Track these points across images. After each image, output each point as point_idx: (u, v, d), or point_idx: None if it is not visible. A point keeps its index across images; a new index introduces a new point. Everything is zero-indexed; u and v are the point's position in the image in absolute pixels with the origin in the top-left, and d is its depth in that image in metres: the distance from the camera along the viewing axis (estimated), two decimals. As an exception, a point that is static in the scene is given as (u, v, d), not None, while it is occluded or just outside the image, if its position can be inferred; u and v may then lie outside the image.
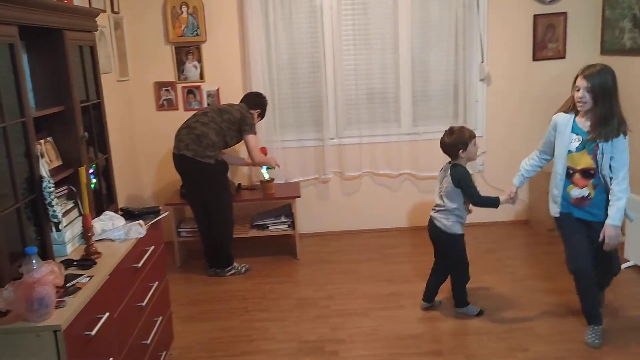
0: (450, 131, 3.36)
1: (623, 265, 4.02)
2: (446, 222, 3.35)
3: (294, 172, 4.95)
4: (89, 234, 2.34)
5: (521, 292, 3.76)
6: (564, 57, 4.81)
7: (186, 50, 4.76)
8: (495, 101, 4.91)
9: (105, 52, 4.09)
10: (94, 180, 2.82)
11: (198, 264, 4.48)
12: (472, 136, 3.35)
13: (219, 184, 4.13)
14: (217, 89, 4.81)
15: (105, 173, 2.99)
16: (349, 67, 4.82)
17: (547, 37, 4.78)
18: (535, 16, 4.75)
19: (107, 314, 2.12)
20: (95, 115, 2.87)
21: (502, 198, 3.39)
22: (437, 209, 3.41)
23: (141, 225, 2.64)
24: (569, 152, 3.04)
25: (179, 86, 4.82)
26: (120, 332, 2.32)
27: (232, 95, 4.77)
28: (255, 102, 4.32)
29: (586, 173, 3.03)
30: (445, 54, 4.78)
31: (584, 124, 3.03)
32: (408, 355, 3.08)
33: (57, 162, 2.55)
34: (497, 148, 4.99)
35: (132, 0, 4.62)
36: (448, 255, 3.48)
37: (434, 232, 3.44)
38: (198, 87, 4.82)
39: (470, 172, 4.84)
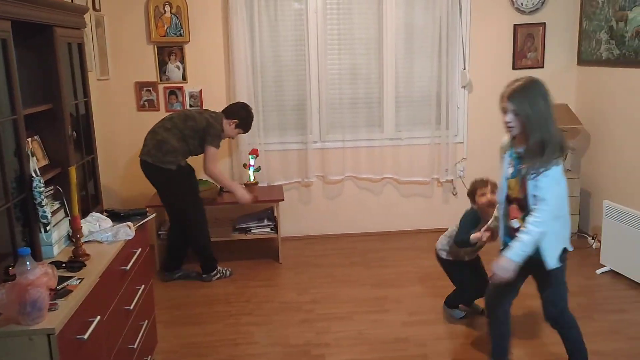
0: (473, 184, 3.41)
1: (598, 271, 4.13)
2: (438, 244, 3.62)
3: (277, 176, 4.94)
4: (78, 235, 2.28)
5: (502, 296, 3.82)
6: (542, 67, 4.91)
7: (169, 51, 4.70)
8: (476, 108, 4.99)
9: (86, 50, 4.00)
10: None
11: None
12: (480, 185, 3.32)
13: (181, 190, 4.02)
14: (200, 91, 4.77)
15: (91, 174, 2.92)
16: (333, 72, 4.83)
17: (527, 47, 4.89)
18: (515, 26, 4.85)
19: (99, 317, 2.08)
20: (82, 114, 2.81)
21: (472, 236, 3.18)
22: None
23: (129, 227, 2.60)
24: (507, 178, 2.65)
25: (161, 87, 4.75)
26: (109, 336, 2.28)
27: (215, 97, 4.74)
28: (235, 112, 4.17)
29: (520, 203, 2.59)
30: (428, 60, 4.84)
31: (518, 148, 2.61)
32: (394, 359, 3.09)
33: (44, 162, 2.49)
34: (477, 155, 5.07)
35: (114, -2, 4.55)
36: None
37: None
38: (180, 88, 4.76)
39: (451, 177, 4.90)
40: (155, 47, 4.68)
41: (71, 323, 1.85)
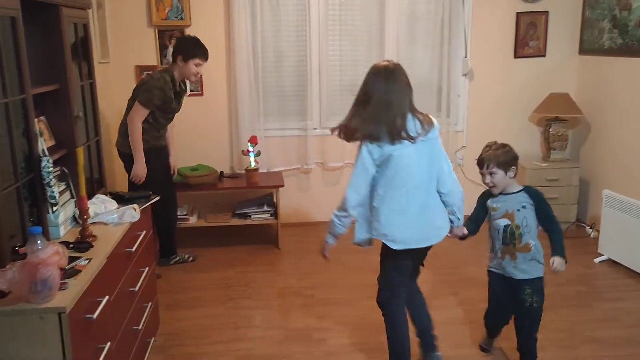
0: None
1: (597, 260, 4.17)
2: None
3: (277, 162, 4.93)
4: (85, 216, 2.28)
5: (501, 284, 3.85)
6: (544, 56, 4.92)
7: (169, 34, 4.66)
8: (477, 96, 4.99)
9: (88, 32, 3.97)
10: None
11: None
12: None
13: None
14: (200, 76, 4.73)
15: (96, 155, 2.91)
16: (334, 58, 4.81)
17: (529, 35, 4.88)
18: (518, 14, 4.84)
19: (107, 297, 2.08)
20: (87, 96, 2.80)
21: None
22: None
23: (135, 210, 2.59)
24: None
25: (161, 70, 4.72)
26: (116, 317, 2.28)
27: (215, 82, 4.71)
28: (175, 50, 3.80)
29: None
30: (429, 48, 4.83)
31: None
32: (395, 344, 3.11)
33: (50, 142, 2.48)
34: (476, 143, 5.05)
35: (115, -20, 4.51)
36: None
37: None
38: (181, 72, 4.72)
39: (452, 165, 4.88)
40: (156, 30, 4.64)
41: (81, 302, 1.86)
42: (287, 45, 4.76)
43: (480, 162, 2.67)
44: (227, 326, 3.33)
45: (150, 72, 3.88)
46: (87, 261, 2.07)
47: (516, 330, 2.80)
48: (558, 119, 4.80)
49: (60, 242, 2.19)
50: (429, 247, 2.63)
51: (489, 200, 2.74)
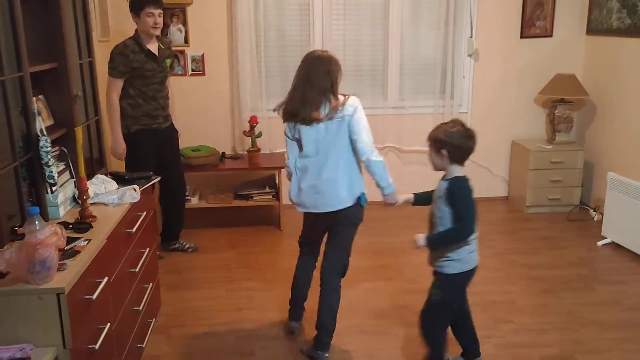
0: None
1: (600, 243, 4.15)
2: None
3: (279, 143, 4.89)
4: (85, 197, 2.26)
5: (502, 266, 3.85)
6: (551, 36, 4.84)
7: (171, 13, 4.60)
8: (482, 78, 4.93)
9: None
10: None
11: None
12: None
13: (132, 157, 3.66)
14: (202, 55, 4.69)
15: (96, 135, 2.89)
16: (337, 38, 4.75)
17: (536, 15, 4.80)
18: (525, -7, 4.76)
19: (106, 278, 2.07)
20: (86, 74, 2.76)
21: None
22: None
23: (135, 190, 2.58)
24: None
25: (163, 50, 4.66)
26: (116, 298, 2.28)
27: (217, 62, 4.66)
28: (129, 9, 3.58)
29: None
30: (434, 28, 4.76)
31: None
32: (394, 326, 3.12)
33: (49, 122, 2.45)
34: (480, 125, 5.01)
35: (115, -43, 4.43)
36: None
37: None
38: (182, 52, 4.68)
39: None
40: (157, 8, 4.58)
41: (80, 283, 1.85)
42: (289, 25, 4.70)
43: None
44: (228, 307, 3.33)
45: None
46: (86, 242, 2.06)
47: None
48: (564, 101, 4.74)
49: (60, 223, 2.18)
50: (334, 215, 2.76)
51: None
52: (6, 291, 1.72)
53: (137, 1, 3.53)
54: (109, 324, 2.11)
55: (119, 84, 3.53)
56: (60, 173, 2.40)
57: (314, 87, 2.64)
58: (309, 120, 2.63)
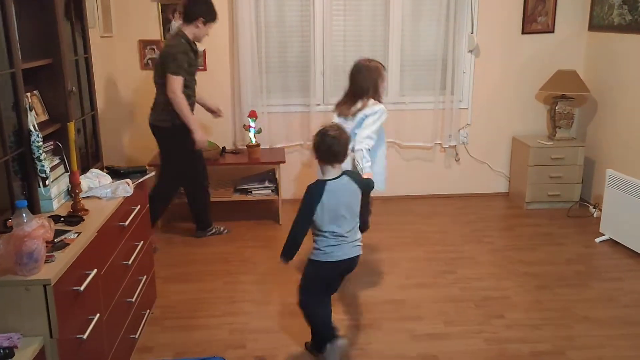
0: (336, 135, 2.57)
1: (598, 239, 4.15)
2: None
3: (279, 138, 4.93)
4: (77, 191, 2.31)
5: (499, 262, 3.85)
6: (552, 32, 4.82)
7: (173, 8, 4.63)
8: (482, 73, 4.92)
9: (89, 6, 3.94)
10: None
11: (180, 226, 4.47)
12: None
13: (178, 148, 3.88)
14: (204, 50, 4.72)
15: (92, 130, 2.93)
16: (338, 33, 4.76)
17: (537, 11, 4.78)
18: (526, -12, 4.74)
19: (95, 270, 2.12)
20: (82, 70, 2.81)
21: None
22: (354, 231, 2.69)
23: (128, 184, 2.62)
24: None
25: (165, 45, 4.71)
26: (107, 289, 2.33)
27: (218, 57, 4.70)
28: (194, 11, 3.76)
29: None
30: (435, 23, 4.76)
31: None
32: (388, 320, 3.14)
33: (44, 117, 2.49)
34: (481, 121, 5.03)
35: (117, -47, 4.47)
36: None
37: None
38: (184, 47, 4.71)
39: (454, 143, 4.89)
40: (159, 4, 4.62)
41: (67, 275, 1.89)
42: (290, 20, 4.72)
43: None
44: (223, 300, 3.38)
45: (168, 40, 3.87)
46: (76, 235, 2.10)
47: None
48: (565, 97, 4.72)
49: (51, 216, 2.23)
50: None
51: None
52: (-5, 282, 1.77)
53: (212, 13, 3.86)
54: (98, 315, 2.15)
55: (182, 80, 3.73)
56: (55, 167, 2.45)
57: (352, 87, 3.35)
58: (342, 114, 3.34)
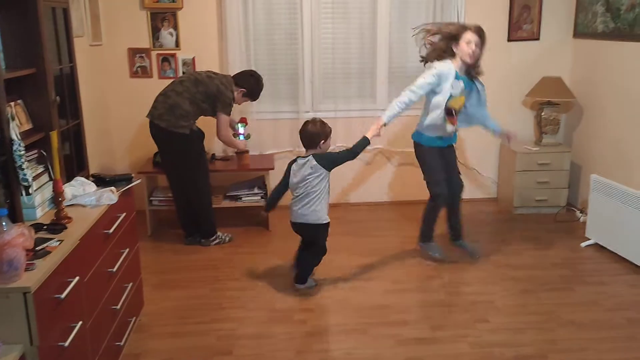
0: (314, 122, 3.44)
1: (583, 244, 4.18)
2: (317, 212, 3.42)
3: (268, 144, 4.96)
4: (60, 199, 2.33)
5: (486, 267, 3.88)
6: (537, 39, 4.87)
7: (162, 17, 4.68)
8: (470, 80, 4.95)
9: (77, 15, 4.00)
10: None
11: (169, 233, 4.49)
12: (330, 131, 3.48)
13: (193, 154, 4.09)
14: (193, 58, 4.76)
15: (76, 139, 2.96)
16: (326, 41, 4.81)
17: (523, 18, 4.84)
18: (512, -4, 4.80)
19: (77, 277, 2.13)
20: (67, 79, 2.83)
21: (369, 134, 3.57)
22: (305, 204, 3.41)
23: (113, 192, 2.64)
24: (451, 96, 3.58)
25: (154, 53, 4.75)
26: (90, 297, 2.34)
27: (208, 65, 4.72)
28: (245, 80, 4.17)
29: (455, 113, 3.67)
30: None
31: (462, 72, 3.62)
32: (375, 325, 3.17)
33: (28, 126, 2.52)
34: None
35: (106, -38, 4.51)
36: (319, 240, 3.56)
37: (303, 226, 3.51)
38: (173, 55, 4.75)
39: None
40: (148, 12, 4.66)
41: (48, 282, 1.91)
42: (279, 28, 4.76)
43: None
44: (211, 306, 3.39)
45: (217, 80, 4.04)
46: (58, 242, 2.12)
47: None
48: (550, 103, 4.78)
49: (35, 224, 2.25)
50: None
51: None
52: (-26, 290, 1.79)
53: (255, 94, 4.25)
54: (81, 322, 2.17)
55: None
56: (39, 175, 2.48)
57: None
58: None
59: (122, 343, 2.74)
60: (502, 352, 2.90)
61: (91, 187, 2.68)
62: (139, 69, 4.77)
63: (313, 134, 3.40)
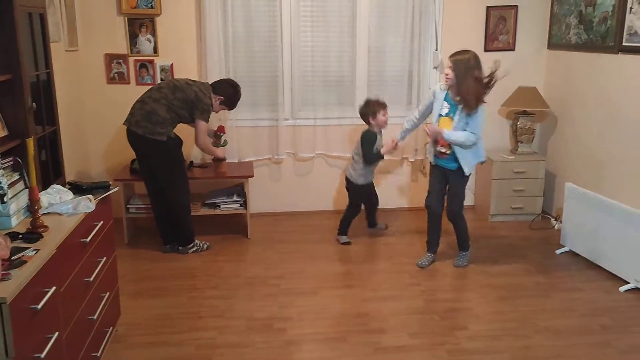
0: (365, 102, 4.25)
1: (558, 251, 4.26)
2: (353, 173, 4.30)
3: (248, 152, 4.95)
4: (36, 207, 2.29)
5: (463, 274, 3.93)
6: (513, 49, 4.97)
7: (140, 23, 4.64)
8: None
9: (53, 20, 3.94)
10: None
11: (147, 241, 4.44)
12: (381, 107, 4.17)
13: (171, 161, 4.06)
14: (171, 64, 4.73)
15: (52, 145, 2.91)
16: (306, 49, 4.82)
17: (499, 29, 4.93)
18: (488, 7, 4.88)
19: (54, 287, 2.10)
20: (44, 85, 2.79)
21: (383, 150, 4.19)
22: (351, 162, 4.37)
23: (90, 200, 2.60)
24: (440, 115, 3.78)
25: (132, 59, 4.71)
26: (67, 307, 2.30)
27: (186, 71, 4.70)
28: (223, 88, 4.16)
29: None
30: (401, 40, 4.86)
31: (453, 97, 3.74)
32: (354, 333, 3.17)
33: (3, 133, 2.47)
34: (446, 135, 5.11)
35: (83, -33, 4.46)
36: (350, 197, 4.44)
37: (347, 179, 4.42)
38: (151, 62, 4.72)
39: (421, 157, 4.97)
40: (126, 18, 4.62)
41: (24, 293, 1.87)
42: (258, 35, 4.76)
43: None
44: (189, 316, 3.36)
45: (196, 87, 4.03)
46: (34, 252, 2.08)
47: None
48: (526, 113, 4.86)
49: (9, 233, 2.20)
50: None
51: None
52: (-53, 301, 1.75)
53: (232, 102, 4.24)
54: (57, 333, 2.13)
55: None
56: (14, 183, 2.43)
57: None
58: None
59: (98, 354, 2.69)
60: (480, 359, 2.93)
61: (68, 195, 2.64)
62: (116, 75, 4.72)
63: (361, 114, 4.27)
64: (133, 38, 4.66)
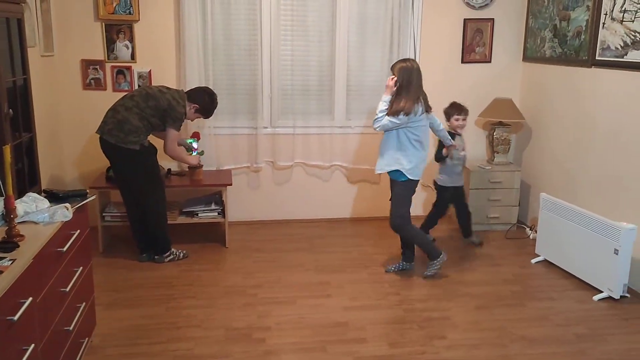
0: (449, 104, 4.47)
1: (533, 260, 4.33)
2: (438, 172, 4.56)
3: (226, 160, 4.92)
4: (12, 216, 2.23)
5: (441, 283, 3.96)
6: (489, 61, 5.05)
7: (117, 29, 4.59)
8: (425, 99, 5.08)
9: (29, 25, 3.86)
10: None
11: (122, 250, 4.38)
12: (456, 111, 4.39)
13: (145, 170, 4.01)
14: (149, 71, 4.69)
15: (28, 153, 2.85)
16: (285, 57, 4.83)
17: (475, 41, 5.01)
18: (465, 20, 4.96)
19: (30, 298, 2.05)
20: (20, 91, 2.74)
21: (444, 152, 4.34)
22: None
23: (67, 209, 2.55)
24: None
25: (108, 65, 4.65)
26: (43, 318, 2.25)
27: (164, 79, 4.66)
28: (198, 96, 4.12)
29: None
30: (379, 51, 4.90)
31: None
32: (333, 343, 3.17)
33: (-22, 139, 2.41)
34: (424, 145, 5.17)
35: (60, -29, 4.40)
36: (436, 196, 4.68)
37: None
38: (129, 68, 4.67)
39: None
40: (103, 24, 4.56)
41: (0, 304, 1.82)
42: (238, 44, 4.75)
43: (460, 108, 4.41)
44: (167, 326, 3.31)
45: (169, 95, 3.98)
46: (10, 262, 2.03)
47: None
48: (502, 124, 4.95)
49: (-16, 242, 2.15)
50: None
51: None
52: None
53: (208, 111, 4.21)
54: (33, 345, 2.08)
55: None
56: (-12, 191, 2.37)
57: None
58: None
59: (74, 366, 2.64)
60: (459, 368, 2.96)
61: (44, 203, 2.58)
62: (92, 80, 4.66)
63: (444, 113, 4.48)
64: (110, 44, 4.61)
